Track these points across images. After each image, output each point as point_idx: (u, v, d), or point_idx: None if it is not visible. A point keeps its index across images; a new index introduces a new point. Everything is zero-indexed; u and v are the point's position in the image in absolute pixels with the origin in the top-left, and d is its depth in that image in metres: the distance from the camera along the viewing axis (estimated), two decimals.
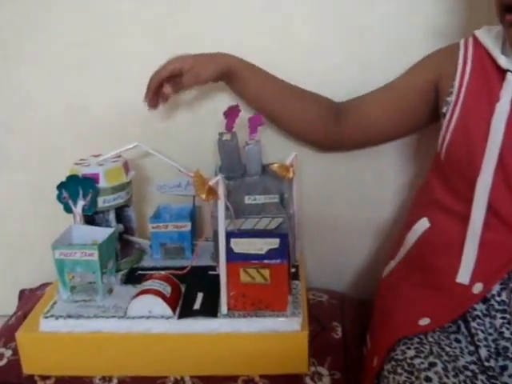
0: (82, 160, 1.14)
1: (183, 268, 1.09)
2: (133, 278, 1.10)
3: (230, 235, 0.96)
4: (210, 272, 1.09)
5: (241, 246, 0.96)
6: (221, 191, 0.91)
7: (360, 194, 1.31)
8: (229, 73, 1.11)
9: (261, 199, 1.07)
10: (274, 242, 0.96)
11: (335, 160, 1.28)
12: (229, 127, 1.07)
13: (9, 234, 1.41)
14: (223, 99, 1.23)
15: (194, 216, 1.20)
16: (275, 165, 1.02)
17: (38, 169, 1.34)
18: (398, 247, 1.09)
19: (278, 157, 1.12)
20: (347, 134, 1.16)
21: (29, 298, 1.28)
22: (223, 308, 0.97)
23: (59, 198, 1.07)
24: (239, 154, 1.08)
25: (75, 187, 1.06)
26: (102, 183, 1.08)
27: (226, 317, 0.96)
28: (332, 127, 1.15)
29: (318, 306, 1.20)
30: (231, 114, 1.07)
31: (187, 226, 1.15)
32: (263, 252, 0.94)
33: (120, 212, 1.16)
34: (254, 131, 1.06)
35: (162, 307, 0.96)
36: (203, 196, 0.89)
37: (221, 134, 1.07)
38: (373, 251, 1.37)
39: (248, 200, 1.07)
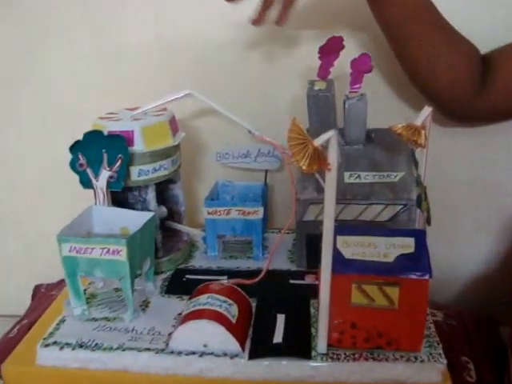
0: (110, 114, 0.92)
1: (253, 273, 0.88)
2: (178, 284, 0.91)
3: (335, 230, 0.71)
4: (292, 281, 0.88)
5: (353, 248, 0.70)
6: (333, 156, 0.62)
7: (488, 179, 1.15)
8: None
9: (368, 177, 0.87)
10: (406, 244, 0.70)
11: (457, 133, 1.11)
12: (323, 72, 0.88)
13: (20, 216, 1.30)
14: (313, 32, 1.03)
15: (266, 198, 1.01)
16: (399, 126, 0.75)
17: (55, 131, 1.19)
18: None
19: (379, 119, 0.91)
20: (492, 97, 0.98)
21: (41, 300, 1.16)
22: (321, 344, 0.73)
23: (73, 165, 0.85)
24: (336, 112, 0.89)
25: (97, 150, 0.84)
26: (138, 145, 0.86)
27: (325, 358, 0.73)
28: (477, 86, 0.97)
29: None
30: (330, 51, 0.87)
31: (258, 213, 0.94)
32: (391, 260, 0.68)
33: (163, 189, 0.99)
34: (358, 81, 0.87)
35: (225, 339, 0.73)
36: (305, 165, 0.60)
37: (312, 83, 0.89)
38: (501, 255, 1.19)
39: (349, 178, 0.87)
